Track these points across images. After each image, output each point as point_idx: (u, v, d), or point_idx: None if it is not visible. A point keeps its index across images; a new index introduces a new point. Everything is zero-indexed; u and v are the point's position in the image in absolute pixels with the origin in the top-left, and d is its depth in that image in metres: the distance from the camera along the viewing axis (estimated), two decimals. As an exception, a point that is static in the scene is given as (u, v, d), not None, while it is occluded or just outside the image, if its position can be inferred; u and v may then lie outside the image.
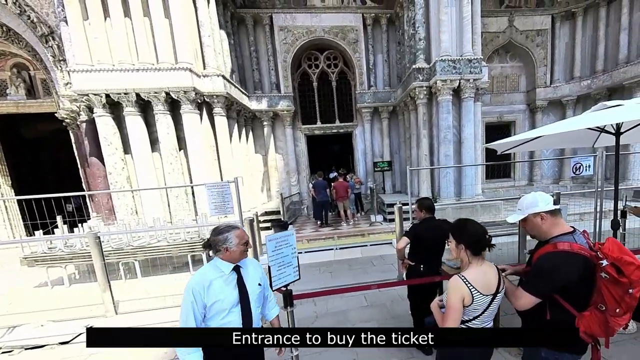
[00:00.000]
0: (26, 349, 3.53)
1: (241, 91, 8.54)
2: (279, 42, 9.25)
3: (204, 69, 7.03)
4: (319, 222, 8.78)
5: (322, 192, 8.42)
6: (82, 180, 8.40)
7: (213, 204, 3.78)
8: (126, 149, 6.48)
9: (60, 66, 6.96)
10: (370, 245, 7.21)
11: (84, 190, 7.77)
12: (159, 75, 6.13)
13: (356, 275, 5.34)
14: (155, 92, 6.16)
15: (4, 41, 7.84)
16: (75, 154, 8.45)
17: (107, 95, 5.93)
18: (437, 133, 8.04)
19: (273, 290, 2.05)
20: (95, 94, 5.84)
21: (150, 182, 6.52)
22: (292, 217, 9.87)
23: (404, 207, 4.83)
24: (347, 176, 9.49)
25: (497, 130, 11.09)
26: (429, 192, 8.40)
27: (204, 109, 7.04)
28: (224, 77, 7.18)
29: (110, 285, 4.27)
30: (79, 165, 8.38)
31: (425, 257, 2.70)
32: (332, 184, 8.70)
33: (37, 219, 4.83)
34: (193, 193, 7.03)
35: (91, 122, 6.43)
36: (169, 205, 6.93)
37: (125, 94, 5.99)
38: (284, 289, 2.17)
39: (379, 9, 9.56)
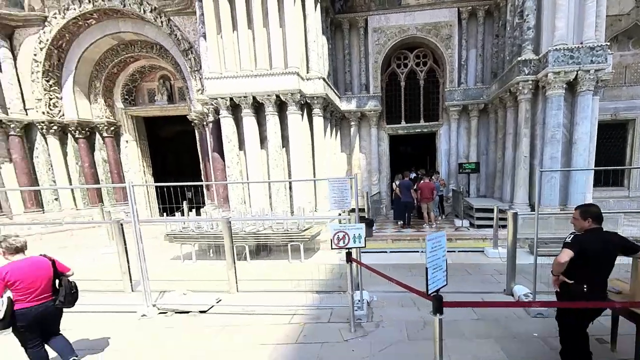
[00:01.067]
0: (176, 312, 4.20)
1: (335, 92, 8.96)
2: (371, 44, 9.45)
3: (307, 72, 7.55)
4: (400, 223, 8.76)
5: (407, 192, 8.42)
6: (202, 172, 9.83)
7: (334, 198, 4.07)
8: (240, 145, 7.37)
9: (195, 75, 8.24)
10: (459, 251, 6.98)
11: (201, 181, 9.12)
12: (271, 80, 6.80)
13: (454, 282, 5.24)
14: (268, 95, 6.85)
15: (156, 57, 9.61)
16: (198, 150, 9.88)
17: (231, 99, 6.81)
18: (541, 132, 7.36)
19: (429, 294, 1.92)
20: (222, 98, 6.76)
21: (257, 176, 7.33)
22: (373, 216, 10.10)
23: (486, 211, 4.57)
24: (433, 177, 9.25)
25: (608, 130, 9.70)
26: (526, 198, 7.84)
27: (305, 109, 7.59)
28: (324, 79, 7.64)
29: (235, 265, 4.83)
30: (200, 160, 9.81)
31: (589, 276, 2.37)
32: (417, 184, 8.55)
33: (167, 202, 5.86)
34: (290, 188, 7.67)
35: (216, 123, 7.48)
36: (270, 197, 7.69)
37: (244, 97, 6.80)
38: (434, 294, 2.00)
39: (477, 1, 9.05)
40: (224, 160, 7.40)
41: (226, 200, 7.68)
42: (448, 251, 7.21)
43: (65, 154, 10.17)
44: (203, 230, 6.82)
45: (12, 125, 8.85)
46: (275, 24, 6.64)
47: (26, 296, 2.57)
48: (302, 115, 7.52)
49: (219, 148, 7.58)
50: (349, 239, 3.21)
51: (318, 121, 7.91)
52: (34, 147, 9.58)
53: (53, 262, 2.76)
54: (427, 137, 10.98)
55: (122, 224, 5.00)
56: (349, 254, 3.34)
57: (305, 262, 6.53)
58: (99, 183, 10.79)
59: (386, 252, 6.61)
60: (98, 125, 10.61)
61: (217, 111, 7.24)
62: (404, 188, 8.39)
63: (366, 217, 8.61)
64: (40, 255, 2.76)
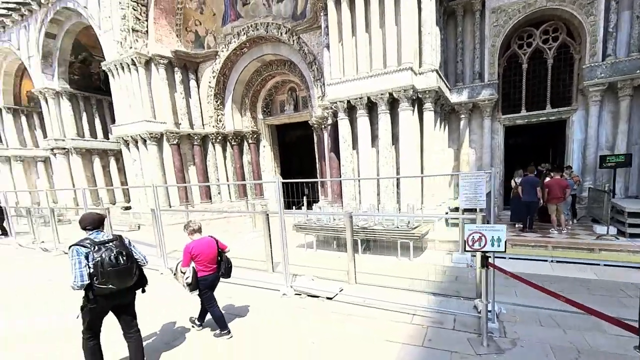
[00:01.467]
0: (308, 295, 4.64)
1: (446, 84, 8.31)
2: (488, 27, 8.32)
3: (420, 66, 7.29)
4: (518, 226, 7.36)
5: (531, 190, 6.88)
6: (317, 171, 11.08)
7: (465, 195, 3.76)
8: (354, 145, 7.81)
9: (317, 84, 9.43)
10: (604, 265, 5.45)
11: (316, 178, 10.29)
12: (385, 79, 6.91)
13: (607, 303, 4.00)
14: (382, 94, 6.99)
15: (287, 72, 11.65)
16: (315, 151, 11.17)
17: (348, 101, 7.33)
18: None
19: None
20: (340, 101, 7.37)
21: (368, 173, 7.55)
22: (487, 217, 8.70)
23: None
24: (564, 173, 7.38)
25: None
26: None
27: (416, 105, 7.33)
28: (436, 71, 7.19)
29: (354, 258, 5.06)
30: (317, 160, 11.07)
31: None
32: (544, 181, 7.01)
33: (289, 197, 6.74)
34: (398, 185, 7.51)
35: (334, 125, 8.25)
36: (378, 195, 7.76)
37: (359, 98, 7.18)
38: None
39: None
40: (339, 160, 8.03)
41: (339, 197, 8.28)
42: (590, 263, 5.60)
43: (225, 158, 13.35)
44: (322, 223, 7.55)
45: (195, 137, 12.33)
46: (391, 22, 6.73)
47: (204, 266, 3.40)
48: (413, 110, 7.28)
49: (335, 148, 8.27)
50: (486, 241, 3.00)
51: (428, 116, 7.49)
52: (207, 153, 13.00)
53: (216, 241, 3.56)
54: (550, 127, 9.04)
55: (267, 215, 6.06)
56: (485, 258, 3.11)
57: (414, 261, 6.32)
58: (245, 181, 13.66)
59: (504, 258, 5.59)
60: (246, 134, 13.41)
61: (335, 114, 7.94)
62: (528, 185, 6.91)
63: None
64: (208, 236, 3.58)
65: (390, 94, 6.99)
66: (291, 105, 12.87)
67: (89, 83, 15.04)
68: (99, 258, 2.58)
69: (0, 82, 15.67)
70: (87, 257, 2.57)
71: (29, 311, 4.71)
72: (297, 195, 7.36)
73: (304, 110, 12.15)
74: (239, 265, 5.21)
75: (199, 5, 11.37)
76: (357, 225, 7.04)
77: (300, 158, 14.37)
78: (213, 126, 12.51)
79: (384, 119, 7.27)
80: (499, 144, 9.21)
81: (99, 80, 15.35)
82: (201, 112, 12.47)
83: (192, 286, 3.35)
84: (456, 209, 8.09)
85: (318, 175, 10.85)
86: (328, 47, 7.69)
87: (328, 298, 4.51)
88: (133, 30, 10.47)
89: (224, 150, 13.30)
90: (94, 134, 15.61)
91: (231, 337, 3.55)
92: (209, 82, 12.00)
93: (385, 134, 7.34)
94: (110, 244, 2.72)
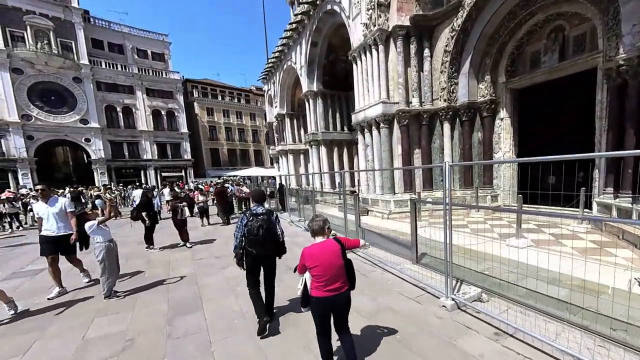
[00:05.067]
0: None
1: None
2: None
3: None
4: None
5: None
6: (596, 147, 6.92)
7: None
8: None
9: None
10: None
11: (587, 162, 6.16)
12: None
13: None
14: None
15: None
16: (597, 118, 7.17)
17: None
18: None
19: None
20: None
21: None
22: None
23: None
24: None
25: None
26: None
27: None
28: None
29: None
30: (604, 130, 6.93)
31: None
32: None
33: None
34: None
35: None
36: None
37: None
38: None
39: None
40: None
41: None
42: None
43: (452, 138, 11.54)
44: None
45: (424, 115, 11.38)
46: None
47: (319, 283, 2.65)
48: None
49: None
50: None
51: None
52: (432, 133, 11.74)
53: (341, 245, 2.71)
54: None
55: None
56: None
57: None
58: (471, 166, 11.26)
59: None
60: (480, 105, 10.98)
61: None
62: None
63: None
64: (332, 237, 2.90)
65: None
66: (554, 54, 9.02)
67: (334, 82, 18.18)
68: (249, 227, 3.39)
69: (284, 94, 22.42)
70: (245, 225, 3.44)
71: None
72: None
73: (577, 56, 8.08)
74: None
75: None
76: None
77: (553, 131, 10.07)
78: (444, 99, 11.08)
79: None
80: None
81: (341, 78, 18.26)
82: (431, 85, 11.38)
83: (302, 302, 2.66)
84: None
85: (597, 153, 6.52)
86: None
87: None
88: (378, 4, 10.91)
89: (452, 128, 11.52)
90: (335, 127, 18.79)
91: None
92: (445, 46, 10.61)
93: None
94: (261, 217, 3.45)
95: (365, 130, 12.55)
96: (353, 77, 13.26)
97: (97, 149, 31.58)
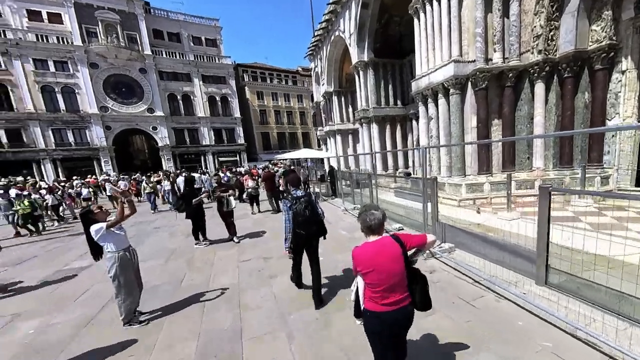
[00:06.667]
0: None
1: None
2: None
3: None
4: None
5: None
6: None
7: None
8: None
9: None
10: None
11: None
12: None
13: None
14: None
15: None
16: None
17: None
18: None
19: None
20: None
21: None
22: None
23: None
24: None
25: None
26: None
27: None
28: None
29: None
30: None
31: None
32: None
33: None
34: None
35: None
36: None
37: None
38: None
39: None
40: None
41: None
42: None
43: (546, 102, 8.93)
44: None
45: (509, 75, 8.93)
46: None
47: (374, 294, 2.09)
48: None
49: None
50: None
51: None
52: (519, 98, 9.24)
53: (402, 245, 2.10)
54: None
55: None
56: None
57: None
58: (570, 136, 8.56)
59: None
60: (592, 55, 8.19)
61: None
62: None
63: None
64: (391, 235, 2.22)
65: None
66: None
67: (386, 49, 16.01)
68: (295, 209, 3.69)
69: (332, 69, 20.80)
70: (290, 208, 3.71)
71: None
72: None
73: None
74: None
75: None
76: None
77: None
78: (539, 51, 8.50)
79: None
80: None
81: (394, 44, 15.95)
82: (519, 35, 8.80)
83: (355, 311, 2.18)
84: None
85: None
86: None
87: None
88: None
89: (547, 90, 8.88)
90: (387, 102, 16.77)
91: None
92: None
93: None
94: (302, 199, 3.74)
95: (429, 99, 10.52)
96: (409, 41, 11.21)
97: (163, 137, 34.22)
